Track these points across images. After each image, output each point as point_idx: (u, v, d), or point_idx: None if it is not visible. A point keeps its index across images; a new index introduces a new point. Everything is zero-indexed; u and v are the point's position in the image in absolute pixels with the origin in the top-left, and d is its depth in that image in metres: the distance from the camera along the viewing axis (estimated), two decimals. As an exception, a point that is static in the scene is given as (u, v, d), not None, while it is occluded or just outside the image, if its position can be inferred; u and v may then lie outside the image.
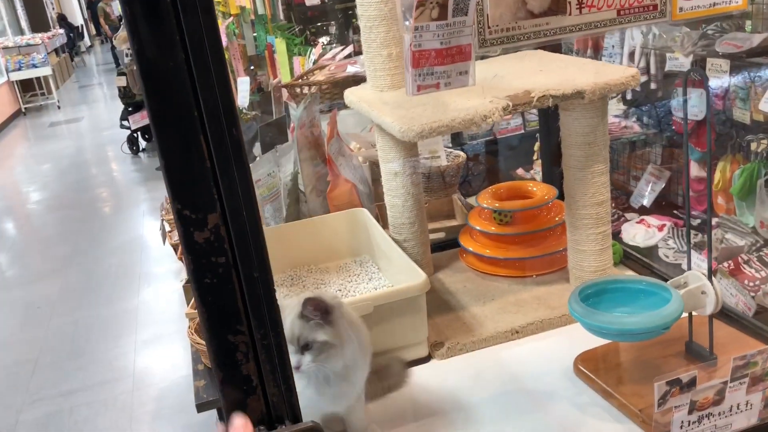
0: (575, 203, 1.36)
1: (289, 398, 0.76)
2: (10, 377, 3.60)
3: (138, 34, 0.64)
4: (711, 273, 1.10)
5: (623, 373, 1.16)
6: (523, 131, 4.19)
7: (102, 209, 6.17)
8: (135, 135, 7.51)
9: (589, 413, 1.11)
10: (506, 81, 1.34)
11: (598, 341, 1.21)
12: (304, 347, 1.01)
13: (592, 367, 1.18)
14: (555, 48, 1.60)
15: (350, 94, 1.47)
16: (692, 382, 0.90)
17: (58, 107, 11.01)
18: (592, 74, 1.28)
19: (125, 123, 7.28)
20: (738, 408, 0.95)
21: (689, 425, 0.93)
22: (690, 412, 0.92)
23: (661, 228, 3.03)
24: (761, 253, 2.70)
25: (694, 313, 1.15)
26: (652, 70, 3.11)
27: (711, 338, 1.11)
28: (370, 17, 1.35)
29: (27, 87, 11.19)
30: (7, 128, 10.25)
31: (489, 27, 0.99)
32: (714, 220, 2.87)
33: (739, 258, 2.65)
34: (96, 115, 10.36)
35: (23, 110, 10.97)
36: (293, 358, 1.00)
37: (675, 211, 3.16)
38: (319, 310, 1.02)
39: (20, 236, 6.08)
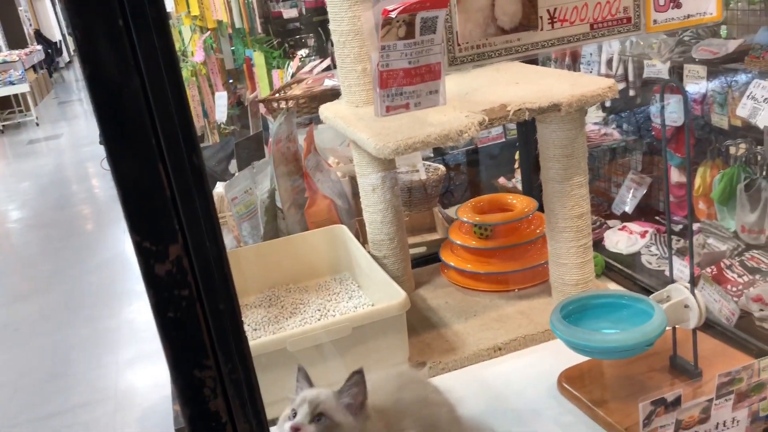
0: (555, 216, 1.34)
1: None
2: (-13, 401, 3.52)
3: (89, 58, 0.61)
4: (693, 286, 1.08)
5: (608, 390, 1.14)
6: (504, 140, 4.19)
7: (83, 227, 6.09)
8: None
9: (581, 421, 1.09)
10: (482, 94, 1.32)
11: (582, 357, 1.19)
12: (316, 417, 0.89)
13: (577, 385, 1.15)
14: (531, 59, 1.59)
15: (325, 110, 1.45)
16: (677, 401, 0.88)
17: (37, 124, 10.89)
18: (569, 86, 1.27)
19: None
20: (724, 425, 0.93)
21: (675, 445, 0.91)
22: (675, 431, 0.90)
23: (643, 235, 3.02)
24: (743, 257, 2.70)
25: (677, 327, 1.13)
26: (631, 77, 3.12)
27: (695, 352, 1.09)
28: (342, 32, 1.33)
29: (4, 104, 11.06)
30: (-15, 146, 10.12)
31: (459, 44, 0.97)
32: (695, 226, 2.87)
33: (722, 263, 2.65)
34: (76, 132, 10.26)
35: (1, 128, 10.85)
36: (298, 418, 0.88)
37: (657, 218, 3.16)
38: (360, 393, 0.91)
39: (-1, 256, 5.99)
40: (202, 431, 0.71)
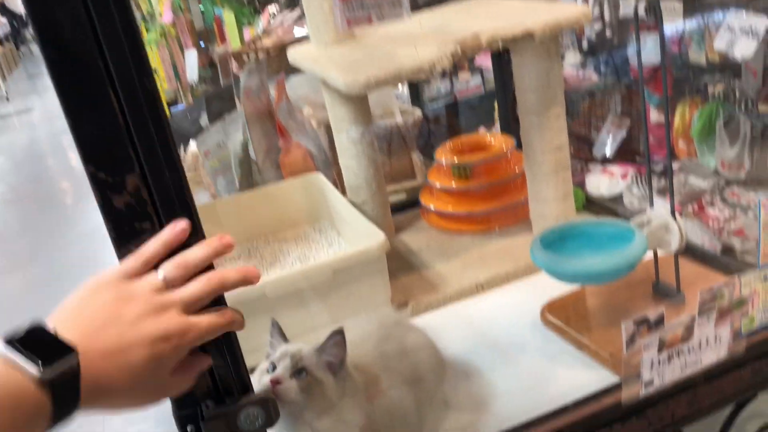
0: (533, 150, 1.32)
1: (236, 370, 0.71)
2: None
3: (28, -21, 0.57)
4: (673, 210, 1.07)
5: (591, 320, 1.13)
6: (482, 91, 4.15)
7: (61, 200, 6.01)
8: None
9: (560, 362, 1.08)
10: (455, 27, 1.28)
11: (564, 289, 1.18)
12: (297, 372, 0.87)
13: (560, 316, 1.15)
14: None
15: (294, 53, 1.40)
16: (660, 320, 0.87)
17: (7, 99, 10.67)
18: (543, 14, 1.23)
19: None
20: (707, 343, 0.92)
21: (659, 364, 0.90)
22: (659, 351, 0.89)
23: (624, 176, 3.01)
24: (724, 193, 2.70)
25: (659, 253, 1.12)
26: (607, 17, 3.08)
27: (677, 276, 1.08)
28: (307, -32, 1.28)
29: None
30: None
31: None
32: (676, 165, 2.87)
33: (703, 200, 2.66)
34: (48, 105, 10.05)
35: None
36: (278, 371, 0.86)
37: (637, 158, 3.15)
38: (340, 356, 0.89)
39: (-23, 233, 5.90)
40: (175, 369, 0.69)
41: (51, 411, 0.52)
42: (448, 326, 1.23)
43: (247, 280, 0.64)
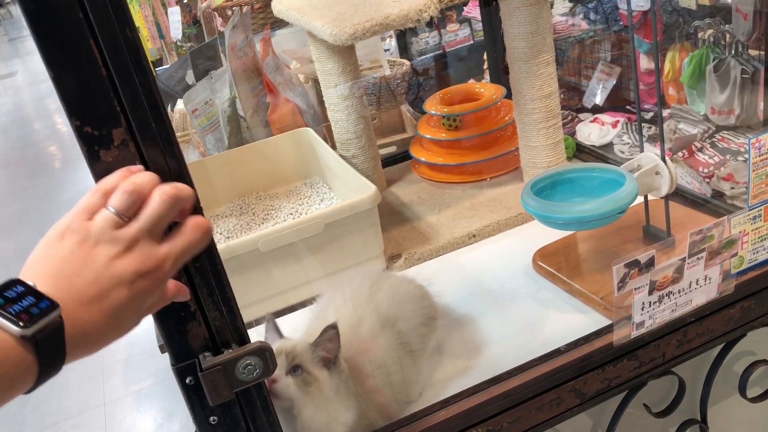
0: (523, 98, 1.31)
1: (232, 321, 0.71)
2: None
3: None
4: (664, 154, 1.07)
5: (582, 265, 1.14)
6: (471, 42, 4.10)
7: (49, 164, 5.95)
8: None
9: (552, 307, 1.10)
10: (441, -26, 1.26)
11: (555, 236, 1.19)
12: (292, 369, 0.86)
13: (551, 262, 1.16)
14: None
15: (278, 3, 1.38)
16: (651, 262, 0.88)
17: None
18: (530, -42, 1.21)
19: None
20: (697, 283, 0.93)
21: (650, 306, 0.91)
22: (650, 293, 0.90)
23: (615, 125, 3.01)
24: (714, 139, 2.70)
25: (650, 197, 1.13)
26: (596, -37, 3.03)
27: (668, 219, 1.09)
28: None
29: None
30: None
31: None
32: (666, 112, 2.86)
33: (693, 146, 2.66)
34: (31, 68, 9.88)
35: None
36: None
37: (628, 107, 3.14)
38: (334, 351, 0.89)
39: (-33, 199, 5.86)
40: (171, 323, 0.69)
41: (37, 368, 0.51)
42: (442, 276, 1.24)
43: (184, 198, 0.61)
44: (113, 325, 0.56)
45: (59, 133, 6.79)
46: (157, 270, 0.58)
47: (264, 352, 0.71)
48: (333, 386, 0.88)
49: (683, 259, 0.90)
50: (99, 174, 0.62)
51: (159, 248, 0.59)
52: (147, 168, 0.63)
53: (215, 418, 0.73)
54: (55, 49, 0.58)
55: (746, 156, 0.92)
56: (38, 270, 0.56)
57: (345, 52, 1.32)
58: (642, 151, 1.12)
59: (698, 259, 0.91)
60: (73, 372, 3.05)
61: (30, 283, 0.53)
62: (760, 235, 0.99)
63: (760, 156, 0.93)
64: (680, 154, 2.65)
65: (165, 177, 0.63)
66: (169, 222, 0.60)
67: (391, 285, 1.06)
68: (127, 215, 0.58)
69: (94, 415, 2.78)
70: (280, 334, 0.94)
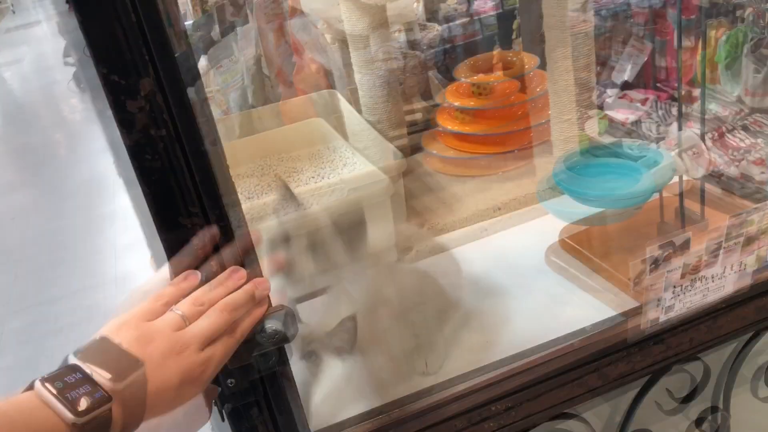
0: (557, 68, 1.27)
1: (255, 284, 0.70)
2: (-10, 289, 3.56)
3: None
4: (704, 134, 1.03)
5: (611, 243, 1.11)
6: (501, 10, 4.00)
7: (70, 117, 5.96)
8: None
9: (578, 285, 1.07)
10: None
11: (584, 212, 1.16)
12: (307, 354, 0.88)
13: (579, 240, 1.13)
14: None
15: (310, -39, 1.34)
16: (686, 245, 0.85)
17: (13, 12, 10.43)
18: None
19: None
20: (732, 269, 0.90)
21: (681, 290, 0.89)
22: (682, 276, 0.87)
23: (644, 102, 2.95)
24: (746, 121, 2.64)
25: (684, 177, 1.09)
26: (635, -67, 2.93)
27: (702, 201, 1.05)
28: None
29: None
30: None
31: None
32: (697, 91, 2.79)
33: (724, 128, 2.60)
34: (54, 18, 9.82)
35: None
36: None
37: (658, 84, 3.06)
38: (351, 342, 0.89)
39: (-14, 148, 5.90)
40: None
41: None
42: (465, 248, 1.22)
43: (256, 299, 0.66)
44: (155, 419, 0.59)
45: (66, 120, 6.71)
46: (200, 373, 0.61)
47: (286, 316, 0.69)
48: (345, 375, 0.88)
49: (719, 244, 0.87)
50: (124, 124, 0.60)
51: (205, 354, 0.62)
52: (173, 122, 0.60)
53: (233, 380, 0.71)
54: (85, -8, 0.55)
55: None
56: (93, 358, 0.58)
57: (376, 13, 1.28)
58: (680, 127, 1.08)
59: (735, 244, 0.88)
60: (86, 323, 3.07)
61: (88, 371, 0.56)
62: (799, 222, 0.95)
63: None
64: (710, 135, 2.59)
65: (192, 132, 0.61)
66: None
67: (402, 279, 1.05)
68: (189, 321, 0.62)
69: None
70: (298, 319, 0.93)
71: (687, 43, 2.92)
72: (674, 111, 2.69)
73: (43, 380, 0.54)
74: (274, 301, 0.70)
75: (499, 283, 1.12)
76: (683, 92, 2.77)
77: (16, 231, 4.09)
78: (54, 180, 4.75)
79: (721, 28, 2.80)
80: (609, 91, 3.33)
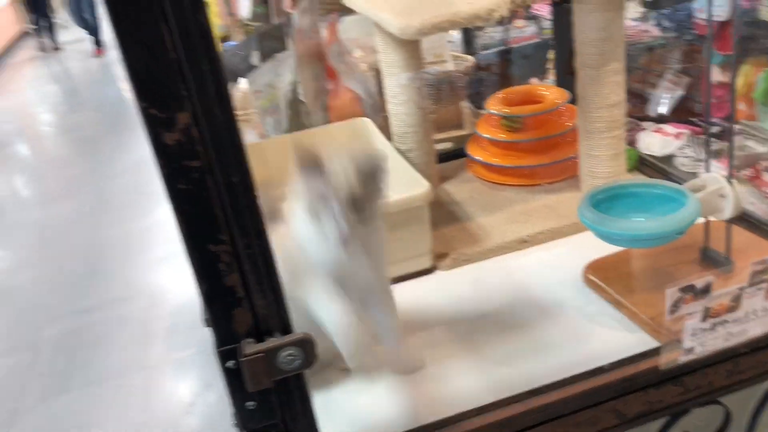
0: (588, 105, 1.28)
1: (278, 309, 0.72)
2: (29, 296, 3.66)
3: None
4: (731, 176, 1.03)
5: (634, 282, 1.12)
6: (538, 40, 4.02)
7: (113, 128, 6.11)
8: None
9: (598, 322, 1.08)
10: (515, -27, 1.23)
11: (608, 249, 1.16)
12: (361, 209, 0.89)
13: (602, 276, 1.13)
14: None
15: (347, -7, 1.38)
16: (707, 288, 0.85)
17: (66, 27, 10.78)
18: (608, -37, 1.18)
19: None
20: (754, 314, 0.90)
21: (702, 332, 0.89)
22: (703, 319, 0.88)
23: (678, 136, 2.92)
24: (784, 159, 2.60)
25: (711, 219, 1.09)
26: (675, -32, 2.93)
27: (728, 243, 1.05)
28: None
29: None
30: (13, 49, 10.10)
31: None
32: (735, 127, 2.76)
33: (759, 165, 2.57)
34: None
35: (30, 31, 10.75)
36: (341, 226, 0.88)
37: (693, 119, 3.04)
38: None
39: (33, 157, 6.09)
40: (218, 306, 0.70)
41: None
42: (489, 279, 1.23)
43: None
44: None
45: (122, 99, 6.94)
46: None
47: (306, 343, 0.71)
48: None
49: (741, 289, 0.87)
50: (160, 155, 0.63)
51: None
52: (206, 153, 0.63)
53: (253, 403, 0.74)
54: (127, 30, 0.59)
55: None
56: None
57: (410, 45, 1.31)
58: (708, 167, 1.08)
59: (758, 289, 0.88)
60: (118, 333, 3.15)
61: None
62: (826, 269, 0.94)
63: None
64: (745, 172, 2.56)
65: (224, 164, 0.64)
66: None
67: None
68: None
69: (136, 377, 2.87)
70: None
71: (724, 78, 2.90)
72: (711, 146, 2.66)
73: None
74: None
75: (526, 303, 1.14)
76: (717, 129, 2.75)
77: (61, 239, 4.21)
78: (97, 190, 4.90)
79: (759, 65, 2.78)
80: (644, 124, 3.32)
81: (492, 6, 1.08)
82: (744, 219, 1.21)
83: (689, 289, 0.85)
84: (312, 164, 0.93)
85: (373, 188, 0.92)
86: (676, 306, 0.85)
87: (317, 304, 0.93)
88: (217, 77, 0.61)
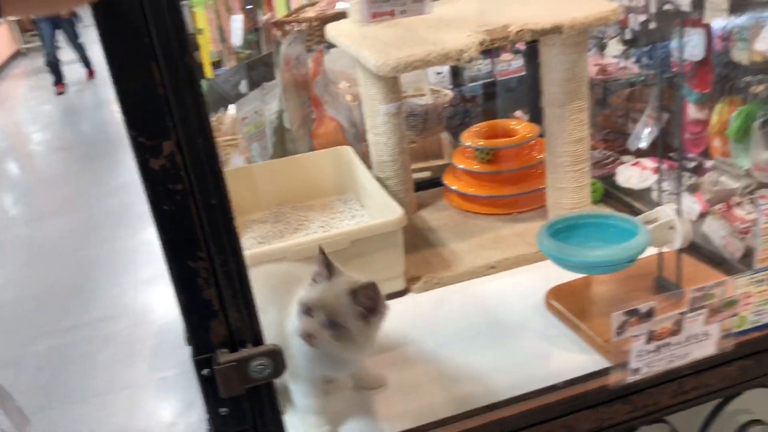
0: (554, 141, 1.36)
1: (250, 323, 0.78)
2: (14, 313, 3.68)
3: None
4: (680, 209, 1.11)
5: (591, 307, 1.19)
6: (524, 73, 4.12)
7: (103, 150, 6.18)
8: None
9: (557, 344, 1.14)
10: (487, 15, 1.32)
11: (570, 276, 1.23)
12: (331, 324, 0.94)
13: (563, 301, 1.20)
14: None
15: (331, 29, 1.46)
16: (650, 313, 0.92)
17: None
18: (573, 8, 1.26)
19: None
20: (695, 338, 0.97)
21: (647, 354, 0.95)
22: (648, 342, 0.94)
23: (655, 170, 3.02)
24: (754, 195, 2.69)
25: (665, 249, 1.17)
26: (652, 9, 3.05)
27: (678, 272, 1.13)
28: (349, -51, 1.33)
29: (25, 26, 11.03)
30: (7, 69, 10.17)
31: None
32: (708, 163, 2.85)
33: (732, 201, 2.65)
34: (99, 53, 10.21)
35: (22, 50, 10.85)
36: (308, 323, 0.94)
37: (671, 154, 3.14)
38: (372, 304, 0.96)
39: (23, 176, 6.13)
40: (196, 318, 0.77)
41: None
42: (458, 302, 1.30)
43: None
44: None
45: (114, 120, 7.01)
46: None
47: (276, 354, 0.78)
48: (371, 338, 0.98)
49: (683, 314, 0.94)
50: (147, 179, 0.70)
51: None
52: (188, 178, 0.70)
53: (226, 409, 0.79)
54: (122, 68, 0.66)
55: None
56: None
57: (388, 80, 1.39)
58: (679, 201, 1.15)
59: (698, 314, 0.95)
60: (103, 352, 3.17)
61: None
62: (764, 298, 1.02)
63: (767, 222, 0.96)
64: (718, 207, 2.65)
65: (204, 188, 0.71)
66: None
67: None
68: None
69: (119, 396, 2.89)
70: (330, 270, 0.98)
71: (700, 116, 3.00)
72: (685, 180, 2.76)
73: None
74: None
75: (490, 325, 1.20)
76: (695, 165, 2.83)
77: (49, 258, 4.24)
78: (86, 209, 4.95)
79: (732, 104, 2.88)
80: (623, 158, 3.41)
81: (462, 47, 1.16)
82: (703, 251, 1.29)
83: (634, 313, 0.92)
84: (324, 272, 0.98)
85: (358, 312, 0.95)
86: (621, 328, 0.92)
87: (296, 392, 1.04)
88: (199, 110, 0.69)
